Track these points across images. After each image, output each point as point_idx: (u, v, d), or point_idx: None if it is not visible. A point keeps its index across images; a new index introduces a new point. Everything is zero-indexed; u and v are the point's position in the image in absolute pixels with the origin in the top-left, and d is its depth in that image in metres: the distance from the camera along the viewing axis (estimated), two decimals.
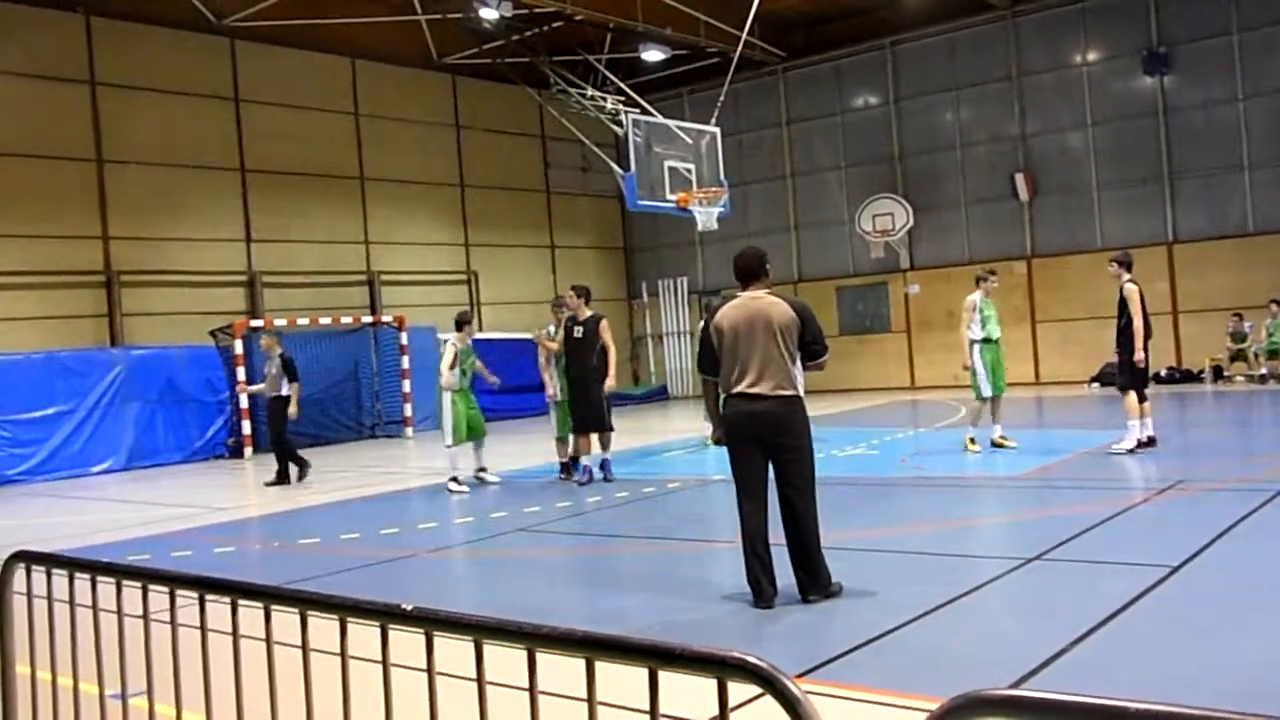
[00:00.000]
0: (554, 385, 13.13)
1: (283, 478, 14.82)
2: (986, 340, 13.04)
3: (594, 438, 12.80)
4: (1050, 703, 1.58)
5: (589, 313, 12.66)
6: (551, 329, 13.32)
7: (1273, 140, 22.07)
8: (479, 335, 26.02)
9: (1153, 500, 9.23)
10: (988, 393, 13.00)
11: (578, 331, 12.54)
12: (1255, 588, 6.24)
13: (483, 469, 13.40)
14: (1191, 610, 5.82)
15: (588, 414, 12.57)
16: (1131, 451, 11.87)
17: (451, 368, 12.87)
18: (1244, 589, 6.23)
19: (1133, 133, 23.67)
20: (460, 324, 13.18)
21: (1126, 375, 12.09)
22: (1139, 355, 11.78)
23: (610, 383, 12.56)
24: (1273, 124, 22.10)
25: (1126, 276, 12.09)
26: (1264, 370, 21.13)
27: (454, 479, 12.89)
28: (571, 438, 12.95)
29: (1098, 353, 22.78)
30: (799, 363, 6.53)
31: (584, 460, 12.72)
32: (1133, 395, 12.01)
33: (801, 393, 6.50)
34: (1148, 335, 11.90)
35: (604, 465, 12.76)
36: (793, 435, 6.42)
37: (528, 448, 17.09)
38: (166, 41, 21.80)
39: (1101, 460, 11.82)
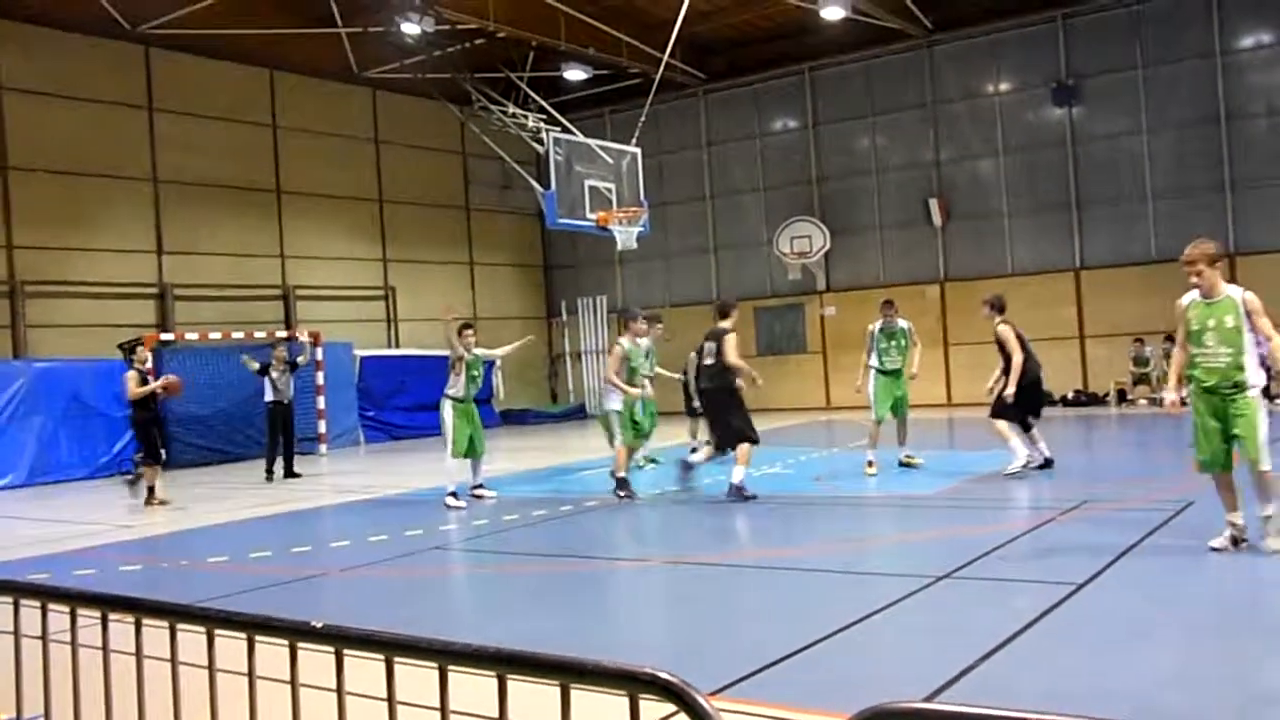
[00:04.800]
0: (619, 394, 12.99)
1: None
2: (880, 370, 13.27)
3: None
4: (953, 715, 1.61)
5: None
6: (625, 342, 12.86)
7: (1174, 172, 22.80)
8: (400, 350, 25.91)
9: (1058, 520, 9.43)
10: (874, 416, 13.25)
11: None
12: (1155, 605, 6.41)
13: (479, 486, 13.08)
14: (1094, 627, 5.96)
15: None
16: (1018, 472, 12.04)
17: (457, 376, 12.68)
18: (1145, 607, 6.39)
19: (1042, 161, 24.29)
20: (462, 329, 12.75)
21: (997, 406, 12.33)
22: (1009, 392, 11.97)
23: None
24: (1175, 156, 22.84)
25: (998, 319, 12.32)
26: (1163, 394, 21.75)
27: (452, 494, 12.46)
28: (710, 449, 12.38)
29: None
30: None
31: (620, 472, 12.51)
32: (1000, 422, 12.25)
33: None
34: (1030, 369, 12.13)
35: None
36: None
37: (442, 465, 16.93)
38: (77, 47, 21.31)
39: (1008, 481, 12.06)
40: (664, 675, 1.93)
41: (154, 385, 14.52)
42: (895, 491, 11.95)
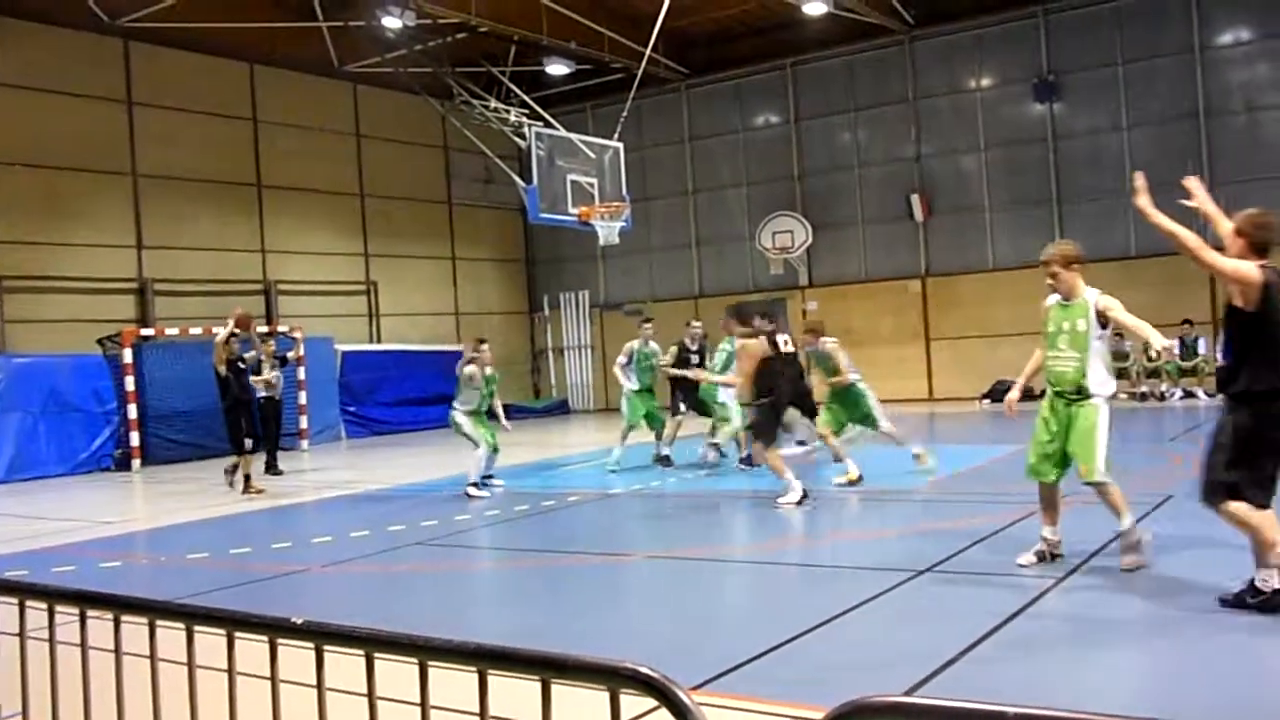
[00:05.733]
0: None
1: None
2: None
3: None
4: (931, 708, 1.62)
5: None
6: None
7: (1154, 168, 22.62)
8: (382, 346, 25.84)
9: (1039, 514, 9.47)
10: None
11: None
12: (1133, 599, 6.45)
13: (488, 476, 13.24)
14: (1074, 621, 6.00)
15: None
16: (799, 503, 10.54)
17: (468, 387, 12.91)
18: (1123, 600, 6.43)
19: (1023, 157, 24.38)
20: (479, 344, 13.12)
21: (755, 429, 11.29)
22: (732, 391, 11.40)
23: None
24: (1154, 152, 22.93)
25: (739, 331, 11.67)
26: (1144, 388, 21.89)
27: (474, 484, 12.69)
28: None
29: (989, 370, 23.37)
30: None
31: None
32: (769, 455, 10.92)
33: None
34: (779, 391, 11.12)
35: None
36: None
37: (424, 460, 16.91)
38: (56, 40, 21.13)
39: (990, 475, 12.10)
40: (645, 670, 1.93)
41: (224, 333, 14.46)
42: (877, 486, 11.97)
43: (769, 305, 12.78)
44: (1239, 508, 5.75)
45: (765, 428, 10.99)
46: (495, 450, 13.19)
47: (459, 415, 13.02)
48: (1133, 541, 6.96)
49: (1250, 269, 5.73)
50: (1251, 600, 5.80)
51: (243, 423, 14.46)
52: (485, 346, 13.09)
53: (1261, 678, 5.07)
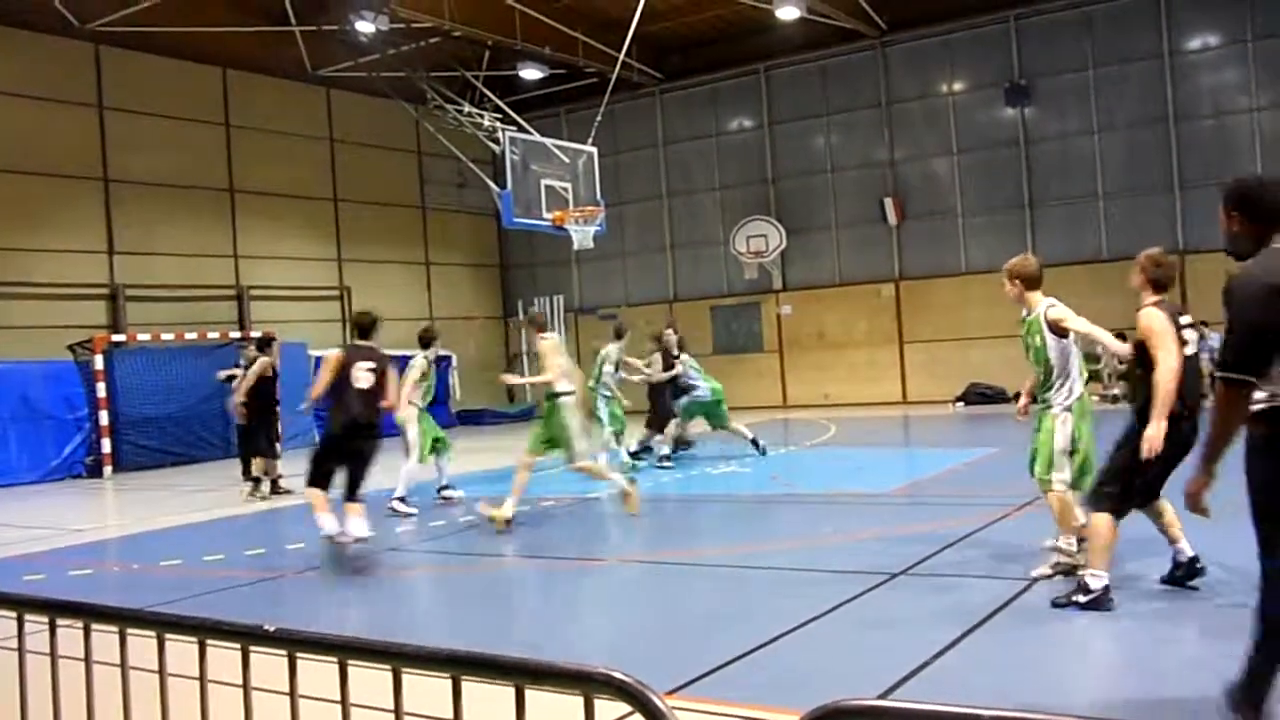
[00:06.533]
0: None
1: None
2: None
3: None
4: (906, 711, 1.62)
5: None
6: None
7: (1125, 171, 23.11)
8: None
9: (1013, 515, 9.53)
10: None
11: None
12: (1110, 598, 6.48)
13: (446, 486, 12.72)
14: (1046, 623, 6.03)
15: None
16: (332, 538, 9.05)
17: (418, 383, 12.35)
18: None
19: (996, 161, 24.54)
20: (426, 342, 12.58)
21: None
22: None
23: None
24: (1125, 156, 23.16)
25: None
26: (1116, 391, 22.03)
27: (401, 499, 11.98)
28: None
29: (962, 373, 23.51)
30: None
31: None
32: (315, 490, 9.26)
33: None
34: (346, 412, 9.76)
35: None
36: None
37: (398, 466, 16.79)
38: (24, 44, 20.97)
39: (963, 478, 12.15)
40: (619, 675, 1.93)
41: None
42: (851, 489, 12.03)
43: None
44: (1100, 520, 6.14)
45: (315, 463, 9.53)
46: (445, 448, 12.69)
47: (409, 411, 12.35)
48: (1061, 564, 6.87)
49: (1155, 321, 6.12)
50: (1081, 600, 6.04)
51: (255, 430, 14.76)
52: (433, 345, 12.66)
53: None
